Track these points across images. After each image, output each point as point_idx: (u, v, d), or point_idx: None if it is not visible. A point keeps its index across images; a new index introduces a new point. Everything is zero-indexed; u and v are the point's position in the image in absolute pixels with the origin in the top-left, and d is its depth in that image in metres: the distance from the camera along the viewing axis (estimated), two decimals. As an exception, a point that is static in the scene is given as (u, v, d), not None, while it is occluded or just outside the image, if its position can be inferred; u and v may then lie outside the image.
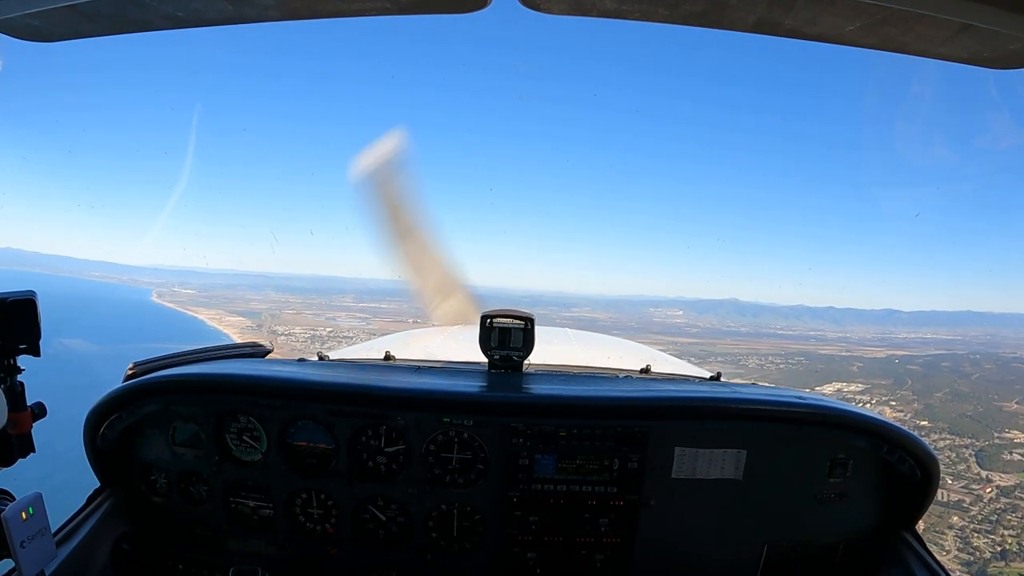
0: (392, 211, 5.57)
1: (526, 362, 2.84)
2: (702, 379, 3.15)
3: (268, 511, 2.67)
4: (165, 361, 2.79)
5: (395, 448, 2.58)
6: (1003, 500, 24.57)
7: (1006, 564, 21.94)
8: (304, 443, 2.60)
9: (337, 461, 2.59)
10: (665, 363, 4.19)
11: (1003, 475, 25.72)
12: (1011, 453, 26.99)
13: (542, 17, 1.56)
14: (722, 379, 3.15)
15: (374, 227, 5.65)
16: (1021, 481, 25.24)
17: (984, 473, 25.98)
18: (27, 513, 1.70)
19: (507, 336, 2.76)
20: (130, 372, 2.68)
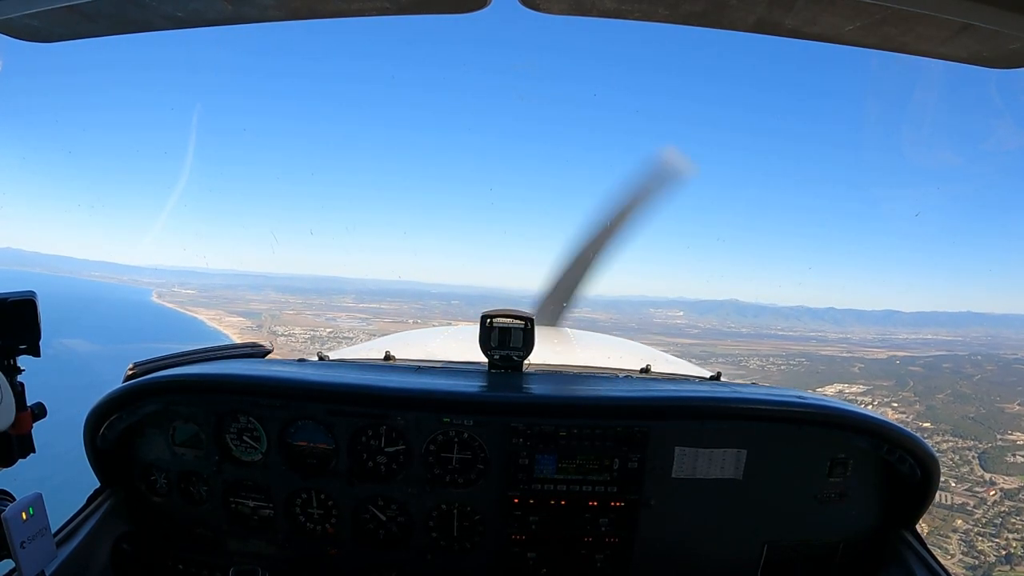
0: (622, 216, 5.36)
1: (526, 362, 2.84)
2: (702, 379, 3.15)
3: (268, 511, 2.67)
4: (165, 361, 2.79)
5: (395, 448, 2.58)
6: (1007, 503, 24.45)
7: (1011, 568, 21.84)
8: (304, 443, 2.60)
9: (337, 461, 2.59)
10: (665, 363, 4.19)
11: (1007, 478, 25.61)
12: (1014, 455, 26.90)
13: (542, 17, 1.56)
14: (722, 379, 3.15)
15: (596, 212, 5.32)
16: (1025, 483, 25.19)
17: (988, 476, 25.88)
18: (27, 513, 1.70)
19: (507, 336, 2.76)
20: (130, 372, 2.68)
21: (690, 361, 4.54)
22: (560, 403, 2.52)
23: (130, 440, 2.69)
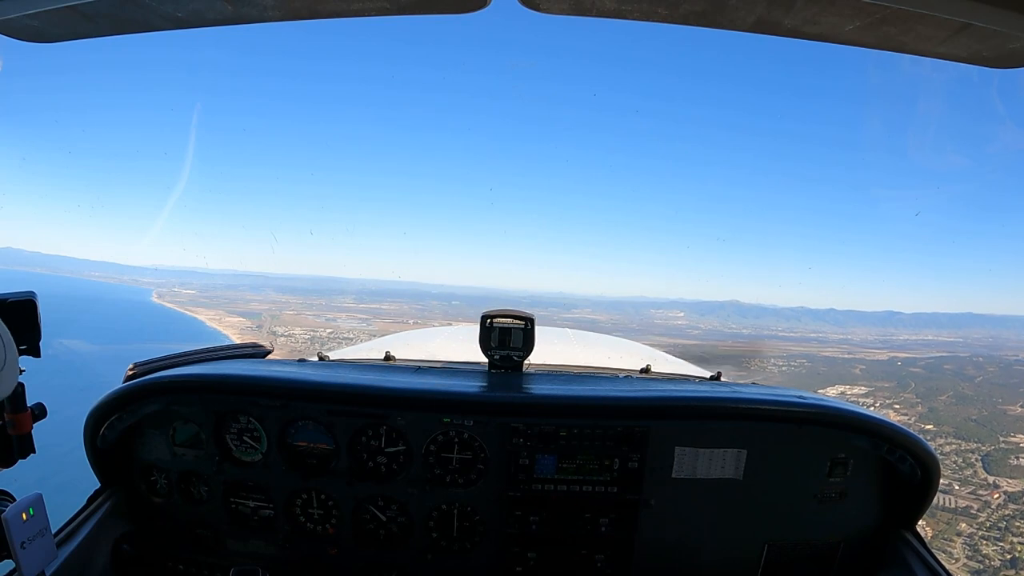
0: None
1: (526, 362, 2.84)
2: (702, 379, 3.15)
3: (268, 511, 2.67)
4: (165, 361, 2.79)
5: (395, 448, 2.58)
6: (1011, 506, 24.27)
7: (1016, 573, 21.67)
8: (304, 443, 2.61)
9: (337, 461, 2.59)
10: (665, 363, 4.18)
11: (1010, 480, 25.44)
12: (1018, 458, 26.75)
13: (542, 17, 1.56)
14: (722, 379, 3.15)
15: None
16: (1029, 487, 25.03)
17: (991, 479, 25.70)
18: (27, 514, 1.70)
19: (507, 336, 2.76)
20: (130, 372, 2.68)
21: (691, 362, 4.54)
22: (560, 403, 2.52)
23: (130, 440, 2.70)
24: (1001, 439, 27.95)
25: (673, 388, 2.75)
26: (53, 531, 1.83)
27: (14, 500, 1.75)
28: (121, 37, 1.70)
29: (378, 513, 2.64)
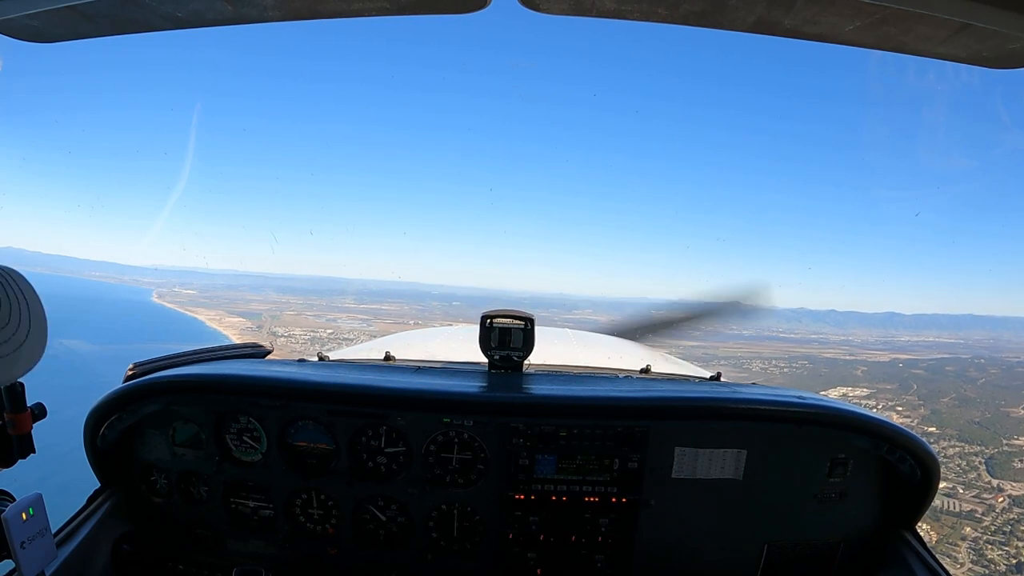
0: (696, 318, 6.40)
1: (526, 362, 2.84)
2: (702, 379, 3.15)
3: (268, 511, 2.67)
4: (165, 362, 2.79)
5: (395, 448, 2.58)
6: (1016, 510, 24.09)
7: (1023, 578, 21.53)
8: (304, 443, 2.60)
9: (337, 461, 2.59)
10: (665, 363, 4.18)
11: (1014, 484, 25.25)
12: (1022, 461, 26.61)
13: (542, 17, 1.56)
14: (722, 379, 3.15)
15: None
16: (1033, 490, 24.85)
17: (995, 482, 25.51)
18: (27, 514, 1.70)
19: (507, 336, 2.76)
20: (130, 372, 2.68)
21: (692, 362, 4.54)
22: (560, 403, 2.52)
23: (130, 440, 2.70)
24: (1004, 442, 27.81)
25: (673, 388, 2.75)
26: (53, 531, 1.83)
27: (14, 500, 1.76)
28: (121, 37, 1.70)
29: (378, 513, 2.64)
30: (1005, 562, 21.84)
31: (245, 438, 2.63)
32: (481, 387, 2.61)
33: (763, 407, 2.50)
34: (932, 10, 1.33)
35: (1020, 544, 22.47)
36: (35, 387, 1.83)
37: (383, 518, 2.64)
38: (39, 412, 1.82)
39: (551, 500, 2.55)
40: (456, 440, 2.55)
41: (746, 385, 2.96)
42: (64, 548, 2.31)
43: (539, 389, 2.60)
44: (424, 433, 2.54)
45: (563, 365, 3.35)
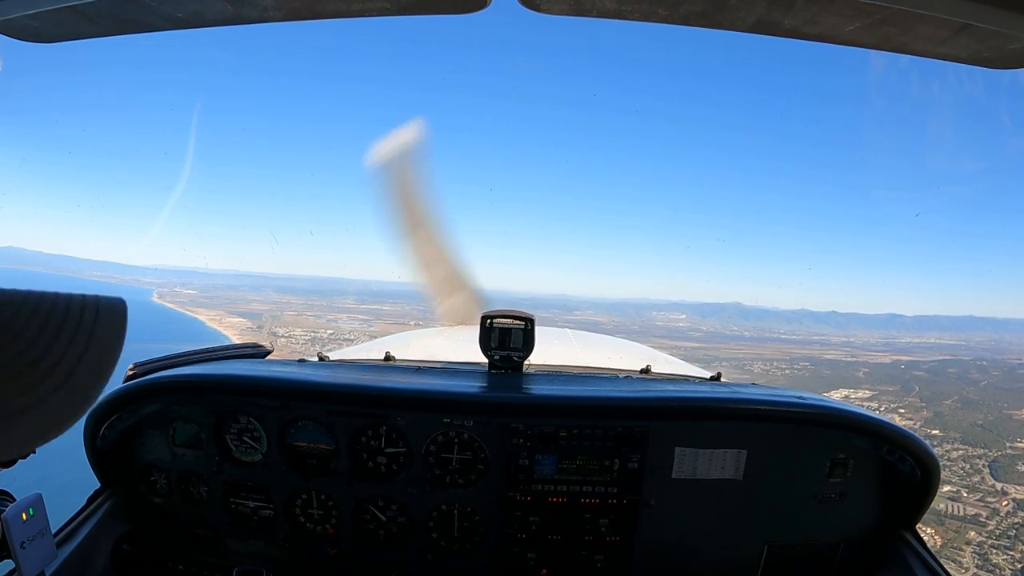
0: (405, 202, 5.56)
1: (526, 362, 2.84)
2: (702, 379, 3.14)
3: (268, 511, 2.67)
4: (165, 362, 2.79)
5: (395, 448, 2.58)
6: (1020, 514, 23.89)
7: (1028, 582, 21.30)
8: (304, 443, 2.60)
9: (337, 461, 2.59)
10: (665, 363, 4.18)
11: (1018, 487, 25.04)
12: (1025, 464, 26.44)
13: (542, 17, 1.56)
14: (722, 379, 3.14)
15: (385, 218, 5.64)
16: (1037, 493, 24.62)
17: (999, 485, 25.28)
18: (27, 514, 1.71)
19: (507, 336, 2.76)
20: (130, 373, 2.68)
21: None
22: (560, 403, 2.52)
23: (130, 440, 2.70)
24: (1008, 444, 27.64)
25: (673, 388, 2.75)
26: (53, 531, 1.83)
27: (14, 500, 1.76)
28: (121, 37, 1.70)
29: (378, 513, 2.64)
30: (1010, 567, 21.65)
31: (245, 438, 2.63)
32: (481, 387, 2.61)
33: (763, 407, 2.49)
34: (932, 10, 1.33)
35: (1025, 548, 22.28)
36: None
37: (383, 518, 2.64)
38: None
39: (551, 500, 2.55)
40: (456, 440, 2.55)
41: (746, 385, 2.96)
42: (64, 548, 2.31)
43: (539, 389, 2.60)
44: (424, 433, 2.54)
45: (563, 365, 3.35)
